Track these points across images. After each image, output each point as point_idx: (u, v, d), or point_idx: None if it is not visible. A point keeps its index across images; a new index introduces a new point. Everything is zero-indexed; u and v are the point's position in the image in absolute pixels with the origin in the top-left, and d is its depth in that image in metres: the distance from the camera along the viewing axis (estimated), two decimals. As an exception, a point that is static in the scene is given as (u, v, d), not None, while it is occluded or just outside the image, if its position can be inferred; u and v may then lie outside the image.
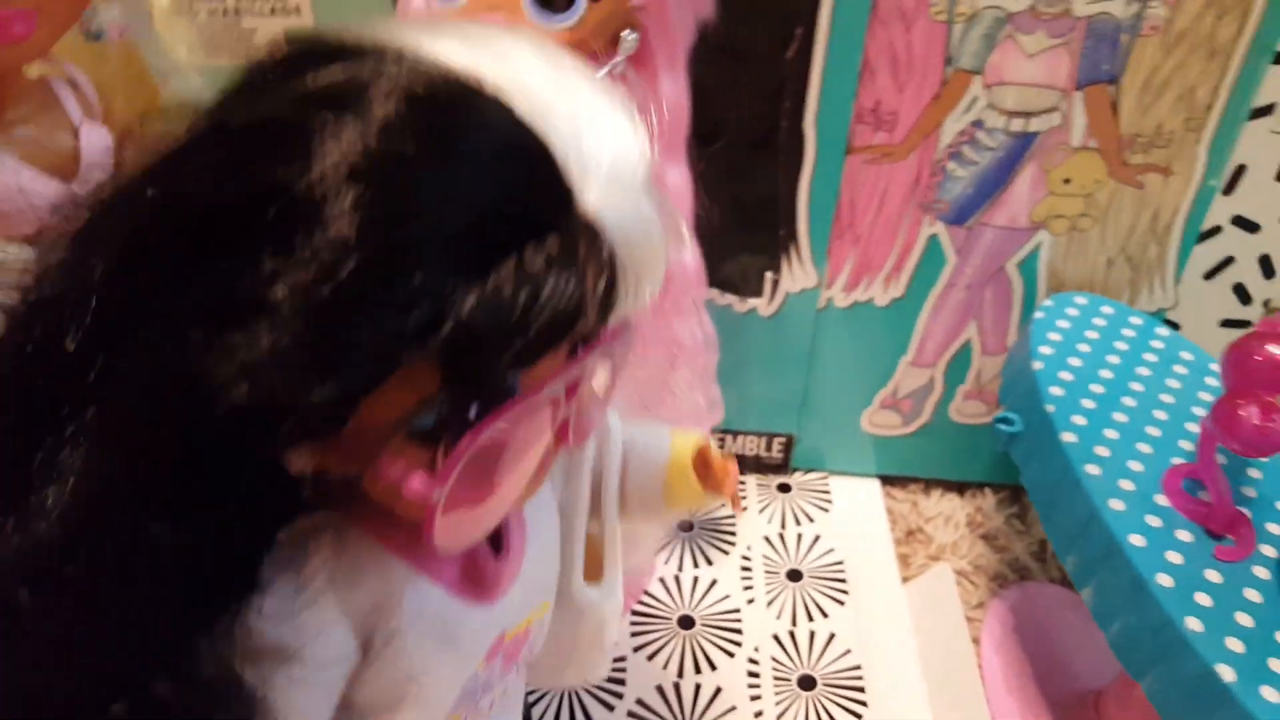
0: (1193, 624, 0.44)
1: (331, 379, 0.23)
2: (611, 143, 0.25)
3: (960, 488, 0.73)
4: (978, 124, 0.57)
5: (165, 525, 0.25)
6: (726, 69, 0.57)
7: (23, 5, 0.38)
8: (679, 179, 0.52)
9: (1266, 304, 0.65)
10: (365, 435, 0.25)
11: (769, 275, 0.64)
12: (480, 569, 0.31)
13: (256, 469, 0.25)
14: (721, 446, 0.72)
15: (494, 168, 0.24)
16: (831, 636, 0.63)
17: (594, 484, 0.40)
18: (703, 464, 0.41)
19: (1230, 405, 0.45)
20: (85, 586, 0.24)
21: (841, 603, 0.65)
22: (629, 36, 0.48)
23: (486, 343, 0.23)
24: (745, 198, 0.61)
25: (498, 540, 0.32)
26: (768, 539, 0.69)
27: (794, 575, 0.67)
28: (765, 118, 0.58)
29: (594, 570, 0.39)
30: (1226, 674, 0.42)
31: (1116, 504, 0.49)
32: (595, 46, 0.47)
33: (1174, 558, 0.47)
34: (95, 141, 0.45)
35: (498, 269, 0.23)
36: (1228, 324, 0.65)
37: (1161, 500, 0.49)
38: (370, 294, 0.22)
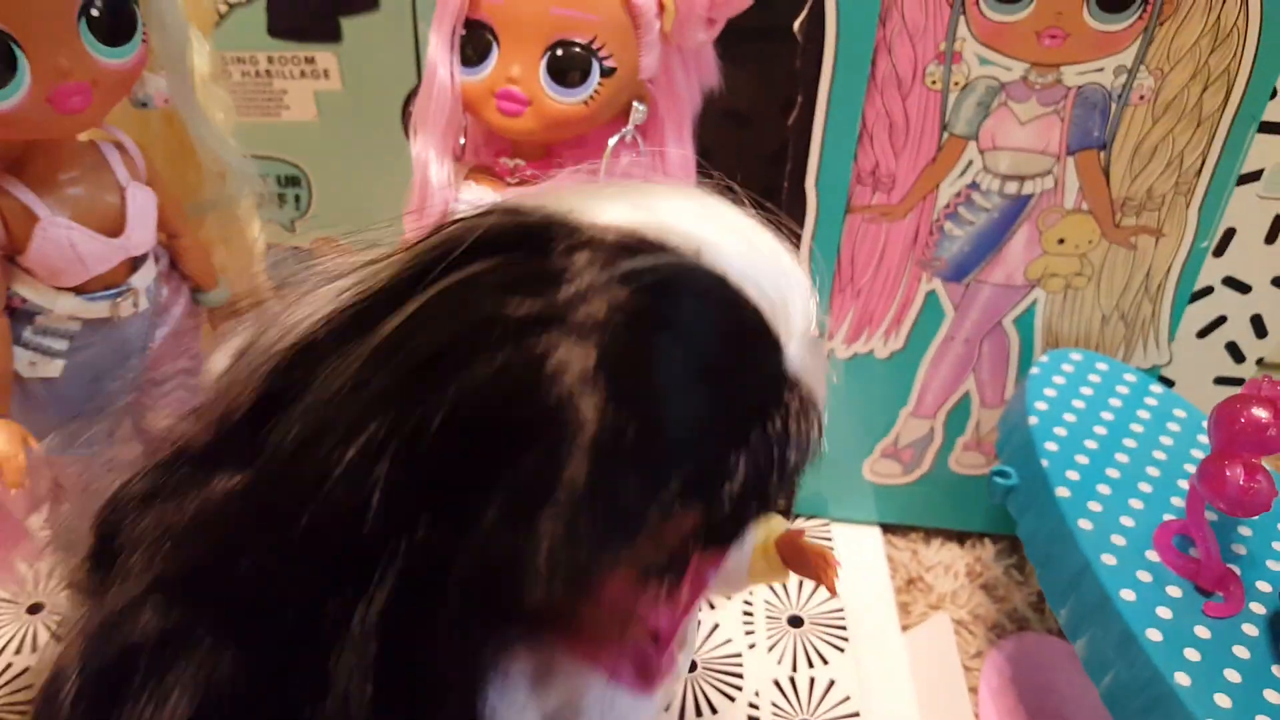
0: (1181, 679, 0.45)
1: (601, 554, 0.25)
2: (799, 303, 0.28)
3: (960, 537, 0.75)
4: (973, 186, 0.60)
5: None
6: (732, 133, 0.60)
7: (80, 79, 0.41)
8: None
9: (1260, 361, 0.67)
10: (608, 578, 0.27)
11: (772, 328, 0.66)
12: (649, 662, 0.33)
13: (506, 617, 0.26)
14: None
15: (729, 346, 0.26)
16: (831, 683, 0.65)
17: None
18: (795, 551, 0.44)
19: (1216, 465, 0.47)
20: None
21: (841, 649, 0.67)
22: (639, 107, 0.51)
23: (749, 504, 0.26)
24: (750, 255, 0.63)
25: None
26: (769, 585, 0.71)
27: (795, 621, 0.69)
28: (768, 178, 0.61)
29: None
30: (1213, 728, 0.43)
31: (1108, 558, 0.50)
32: (606, 118, 0.50)
33: (1164, 613, 0.48)
34: (140, 201, 0.47)
35: (750, 441, 0.25)
36: (1221, 381, 0.67)
37: (1152, 556, 0.51)
38: (640, 478, 0.24)
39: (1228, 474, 0.46)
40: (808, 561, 0.43)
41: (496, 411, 0.24)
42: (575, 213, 0.27)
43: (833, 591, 0.44)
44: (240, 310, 0.54)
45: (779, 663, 0.66)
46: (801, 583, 0.71)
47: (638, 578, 0.27)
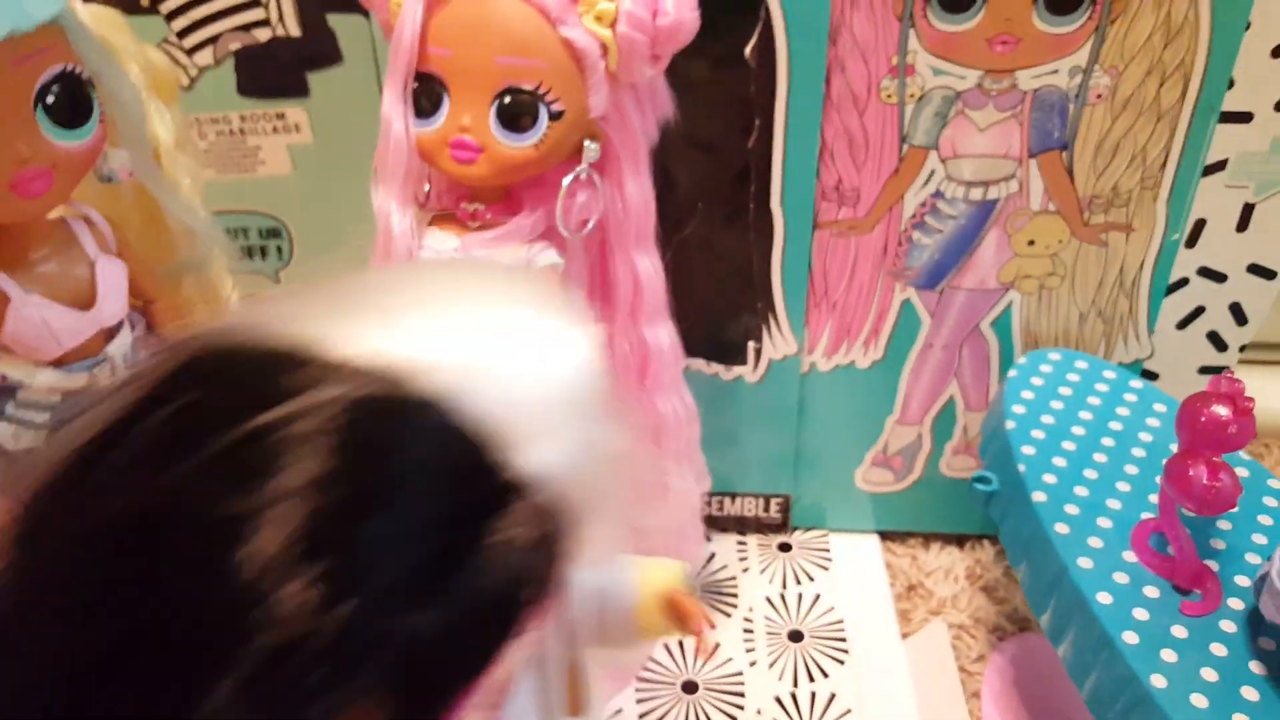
0: (1158, 681, 0.45)
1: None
2: (551, 387, 0.26)
3: (959, 540, 0.75)
4: (938, 195, 0.60)
5: None
6: (695, 159, 0.60)
7: (40, 165, 0.43)
8: (649, 268, 0.55)
9: (1243, 349, 0.66)
10: None
11: (752, 344, 0.67)
12: None
13: None
14: (721, 510, 0.75)
15: (432, 493, 0.23)
16: (833, 697, 0.65)
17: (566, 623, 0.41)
18: (674, 607, 0.43)
19: (1180, 465, 0.47)
20: None
21: (842, 662, 0.67)
22: (591, 146, 0.52)
23: (447, 665, 0.24)
24: (722, 274, 0.64)
25: None
26: (769, 599, 0.71)
27: (795, 636, 0.69)
28: (734, 200, 0.61)
29: (576, 703, 0.41)
30: (1190, 729, 0.43)
31: (1085, 562, 0.50)
32: (559, 159, 0.51)
33: (1141, 614, 0.48)
34: (110, 273, 0.49)
35: (449, 591, 0.23)
36: (1206, 370, 0.67)
37: (1129, 557, 0.51)
38: (324, 652, 0.21)
39: (1191, 473, 0.46)
40: (686, 619, 0.43)
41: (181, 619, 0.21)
42: (317, 342, 0.24)
43: (702, 653, 0.44)
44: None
45: (780, 679, 0.66)
46: (801, 595, 0.72)
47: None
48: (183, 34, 0.62)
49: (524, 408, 0.25)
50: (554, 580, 0.26)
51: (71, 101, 0.44)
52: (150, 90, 0.52)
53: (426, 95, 0.50)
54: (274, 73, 0.63)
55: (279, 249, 0.70)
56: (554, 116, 0.49)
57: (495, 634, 0.24)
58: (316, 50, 0.62)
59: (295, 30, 0.62)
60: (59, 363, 0.48)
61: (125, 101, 0.47)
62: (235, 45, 0.63)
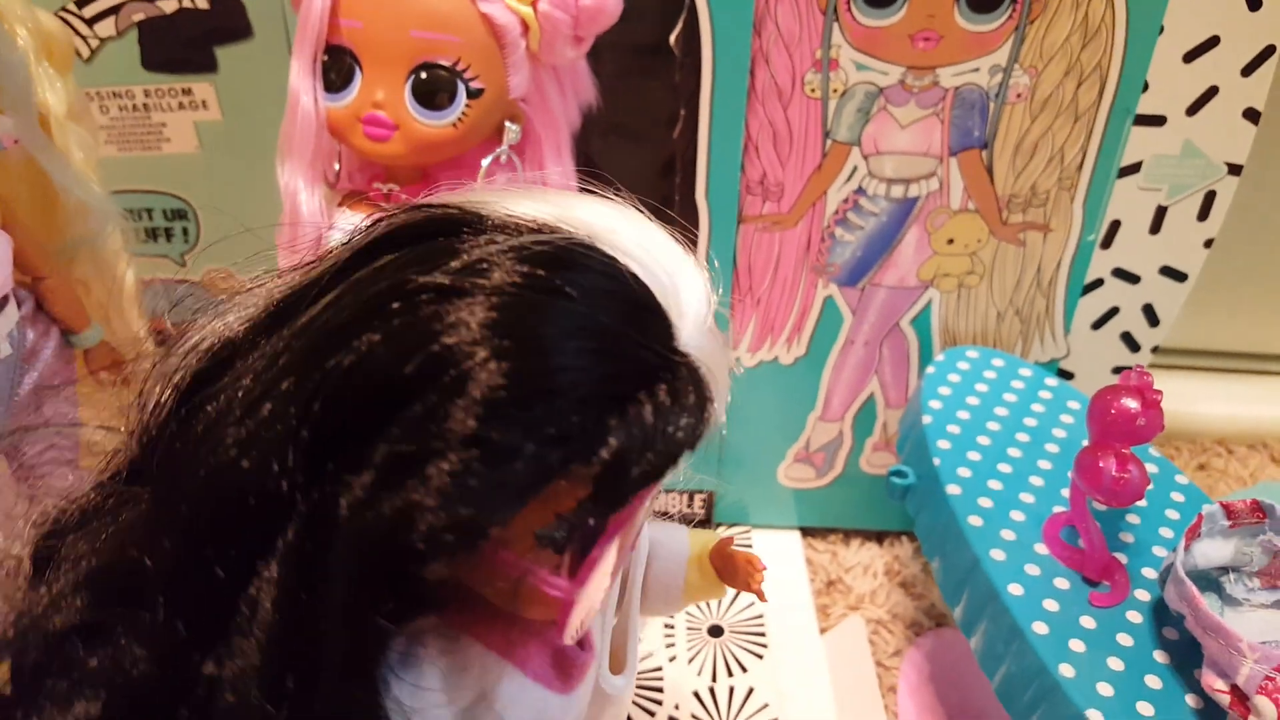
0: (1066, 670, 0.45)
1: (491, 508, 0.25)
2: (692, 288, 0.30)
3: (879, 537, 0.75)
4: (860, 191, 0.60)
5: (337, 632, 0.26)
6: (621, 148, 0.59)
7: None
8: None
9: (1155, 349, 0.67)
10: (504, 545, 0.28)
11: (675, 339, 0.66)
12: (569, 660, 0.34)
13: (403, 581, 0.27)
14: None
15: (617, 315, 0.27)
16: (750, 691, 0.64)
17: (622, 578, 0.42)
18: (725, 560, 0.43)
19: (1090, 457, 0.47)
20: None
21: (760, 656, 0.67)
22: (512, 127, 0.50)
23: (631, 468, 0.26)
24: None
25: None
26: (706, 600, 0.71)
27: (715, 631, 0.68)
28: (659, 191, 0.61)
29: (618, 662, 0.41)
30: (1096, 718, 0.43)
31: (997, 554, 0.51)
32: (478, 139, 0.50)
33: (1051, 605, 0.48)
34: None
35: (635, 405, 0.26)
36: (1119, 370, 0.68)
37: (1041, 549, 0.51)
38: (526, 433, 0.25)
39: (1100, 465, 0.46)
40: (737, 569, 0.43)
41: (386, 368, 0.25)
42: (483, 205, 0.29)
43: (762, 598, 0.44)
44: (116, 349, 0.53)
45: (699, 674, 0.66)
46: (721, 591, 0.71)
47: (531, 546, 0.28)
48: (82, 2, 0.59)
49: (682, 297, 0.29)
50: (695, 445, 0.28)
51: (-50, 61, 0.41)
52: (40, 56, 0.49)
53: (336, 68, 0.49)
54: (180, 46, 0.60)
55: (185, 230, 0.67)
56: (472, 95, 0.48)
57: (655, 474, 0.27)
58: (225, 23, 0.60)
59: (203, 2, 0.59)
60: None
61: (8, 64, 0.45)
62: (139, 16, 0.60)
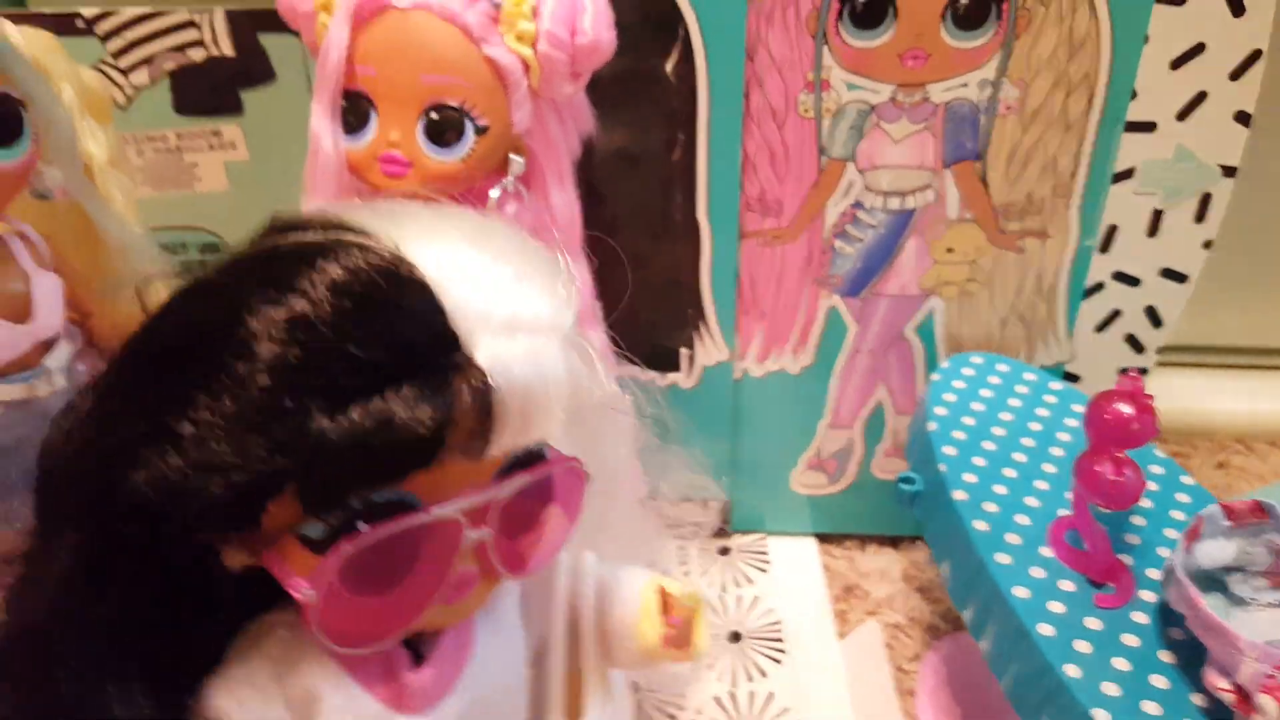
0: (1071, 670, 0.46)
1: (221, 485, 0.28)
2: (511, 301, 0.31)
3: (895, 541, 0.76)
4: (858, 205, 0.62)
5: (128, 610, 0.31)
6: (621, 171, 0.62)
7: (-31, 182, 0.43)
8: (577, 274, 0.57)
9: (1161, 350, 0.68)
10: (271, 539, 0.30)
11: (684, 351, 0.68)
12: (395, 676, 0.34)
13: (203, 564, 0.31)
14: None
15: (377, 323, 0.29)
16: (770, 696, 0.66)
17: (571, 624, 0.41)
18: (664, 601, 0.41)
19: (1088, 462, 0.48)
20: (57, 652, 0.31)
21: (780, 662, 0.68)
22: (516, 159, 0.53)
23: (335, 462, 0.28)
24: (653, 283, 0.66)
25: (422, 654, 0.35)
26: (709, 602, 0.73)
27: (735, 637, 0.70)
28: (661, 212, 0.63)
29: (573, 712, 0.40)
30: (1102, 718, 0.44)
31: (1003, 557, 0.52)
32: (485, 172, 0.52)
33: (1056, 607, 0.50)
34: (47, 287, 0.49)
35: (361, 403, 0.28)
36: (1125, 372, 0.69)
37: (1046, 552, 0.52)
38: (251, 420, 0.28)
39: (1097, 469, 0.48)
40: (676, 608, 0.41)
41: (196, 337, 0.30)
42: (355, 226, 0.32)
43: (685, 654, 0.41)
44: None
45: (719, 679, 0.67)
46: (740, 598, 0.73)
47: (295, 544, 0.30)
48: (119, 54, 0.63)
49: (484, 307, 0.30)
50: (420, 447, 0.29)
51: (2, 122, 0.44)
52: (84, 109, 0.53)
53: (354, 112, 0.51)
54: (209, 91, 0.64)
55: (216, 265, 0.70)
56: (479, 131, 0.51)
57: (372, 473, 0.29)
58: (250, 68, 0.63)
59: (229, 50, 0.63)
60: (-8, 376, 0.48)
61: (57, 121, 0.48)
62: (170, 65, 0.63)
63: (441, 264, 0.30)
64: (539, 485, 0.34)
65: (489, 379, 0.29)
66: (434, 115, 0.50)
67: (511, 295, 0.31)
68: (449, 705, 0.35)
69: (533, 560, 0.36)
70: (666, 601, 0.41)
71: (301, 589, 0.30)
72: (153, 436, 0.29)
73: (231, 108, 0.65)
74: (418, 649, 0.35)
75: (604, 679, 0.40)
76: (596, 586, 0.42)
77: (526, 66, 0.51)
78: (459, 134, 0.51)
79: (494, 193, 0.53)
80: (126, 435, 0.29)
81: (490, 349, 0.30)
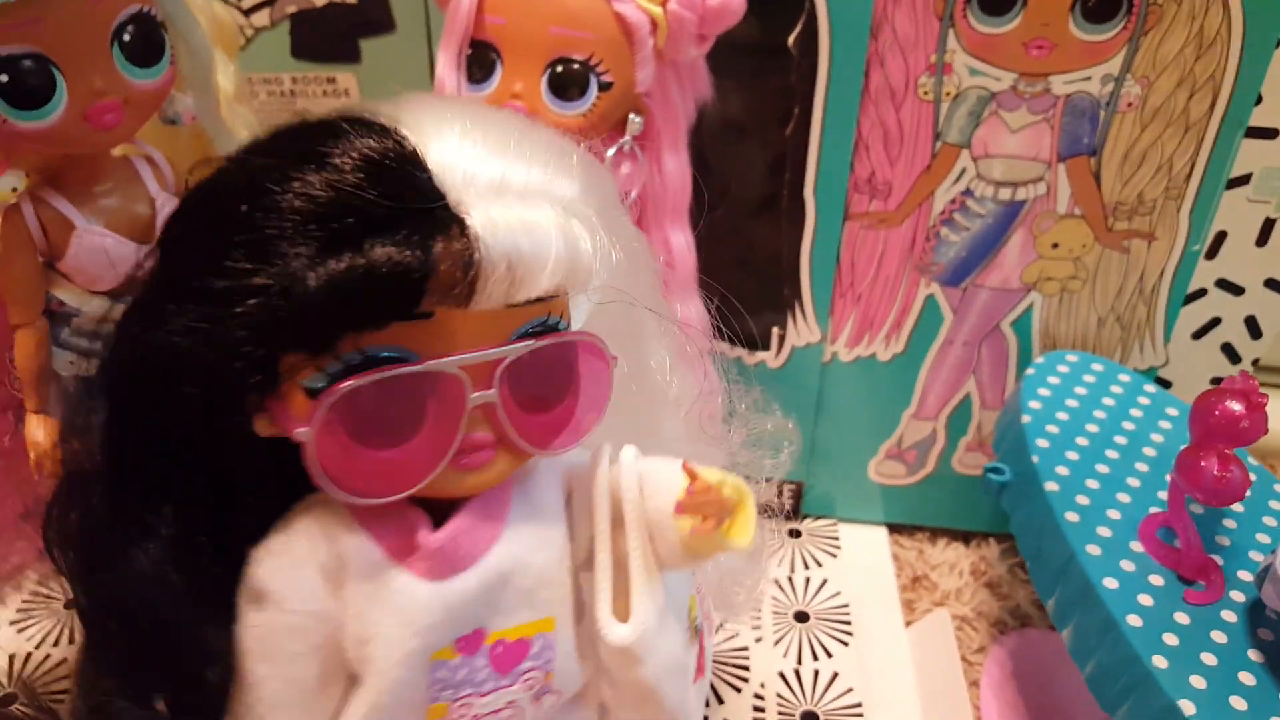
0: (1159, 661, 0.46)
1: (236, 345, 0.30)
2: (501, 166, 0.32)
3: (965, 537, 0.76)
4: (967, 193, 0.62)
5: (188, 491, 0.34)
6: (731, 143, 0.62)
7: (113, 98, 0.45)
8: (683, 244, 0.57)
9: (1255, 362, 0.67)
10: (287, 399, 0.32)
11: (775, 330, 0.68)
12: (412, 539, 0.34)
13: (247, 443, 0.33)
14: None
15: (361, 173, 0.30)
16: (835, 675, 0.66)
17: (615, 520, 0.38)
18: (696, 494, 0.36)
19: (1192, 457, 0.48)
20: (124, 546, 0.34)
21: (846, 644, 0.68)
22: (635, 120, 0.53)
23: (320, 305, 0.30)
24: (751, 259, 0.66)
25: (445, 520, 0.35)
26: (777, 581, 0.73)
27: (801, 617, 0.70)
28: (768, 187, 0.63)
29: (622, 610, 0.37)
30: (1188, 709, 0.44)
31: (1093, 549, 0.52)
32: (605, 130, 0.53)
33: (1145, 600, 0.49)
34: (170, 211, 0.51)
35: (346, 251, 0.30)
36: (1217, 382, 0.68)
37: (1137, 547, 0.52)
38: (250, 277, 0.30)
39: (1203, 464, 0.47)
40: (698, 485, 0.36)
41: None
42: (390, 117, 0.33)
43: (702, 524, 0.36)
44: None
45: (784, 656, 0.68)
46: (808, 580, 0.73)
47: (304, 400, 0.32)
48: (243, -6, 0.64)
49: (472, 167, 0.32)
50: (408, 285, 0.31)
51: (145, 41, 0.46)
52: (215, 42, 0.54)
53: (480, 62, 0.52)
54: (328, 37, 0.65)
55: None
56: (603, 88, 0.51)
57: (357, 316, 0.30)
58: (371, 17, 0.64)
59: (352, -3, 0.64)
60: (112, 293, 0.50)
61: (195, 47, 0.49)
62: (292, 8, 0.65)
63: (434, 132, 0.32)
64: (560, 362, 0.35)
65: (470, 232, 0.31)
66: (559, 69, 0.51)
67: (502, 161, 0.33)
68: (466, 578, 0.34)
69: (555, 437, 0.36)
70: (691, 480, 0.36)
71: (298, 430, 0.31)
72: (189, 296, 0.31)
73: (349, 55, 0.66)
74: (445, 518, 0.35)
75: (651, 578, 0.37)
76: (639, 477, 0.38)
77: (654, 25, 0.51)
78: (582, 89, 0.51)
79: (611, 152, 0.54)
80: (168, 300, 0.32)
81: (477, 208, 0.31)
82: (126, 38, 0.45)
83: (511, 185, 0.32)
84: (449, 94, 0.52)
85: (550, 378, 0.35)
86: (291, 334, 0.30)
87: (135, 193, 0.50)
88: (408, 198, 0.31)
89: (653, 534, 0.37)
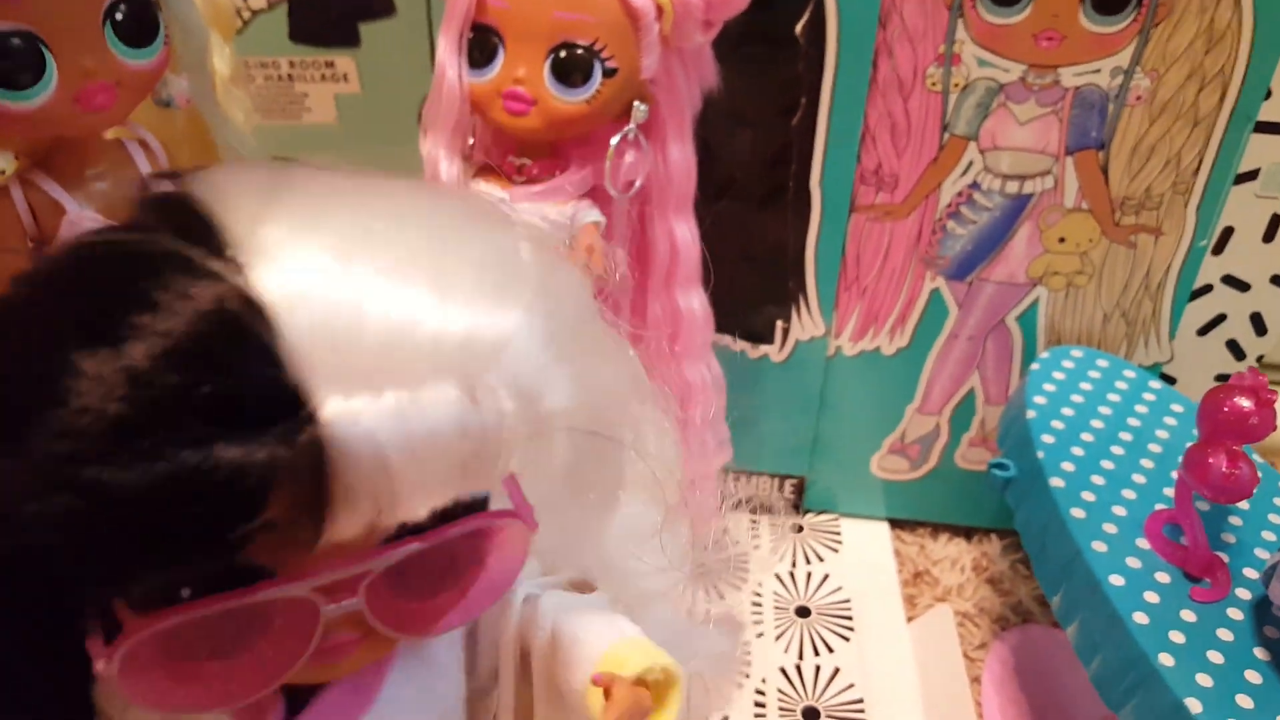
0: (1165, 659, 0.46)
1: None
2: (387, 336, 0.24)
3: (967, 533, 0.76)
4: (975, 186, 0.61)
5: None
6: (736, 133, 0.61)
7: (105, 79, 0.44)
8: (687, 235, 0.56)
9: (1260, 359, 0.67)
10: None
11: (779, 324, 0.68)
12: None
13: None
14: (735, 488, 0.76)
15: (190, 377, 0.22)
16: (836, 670, 0.66)
17: (521, 665, 0.35)
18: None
19: (1200, 453, 0.48)
20: None
21: (847, 639, 0.68)
22: (640, 107, 0.52)
23: (117, 528, 0.22)
24: (755, 252, 0.65)
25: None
26: (779, 576, 0.72)
27: (802, 611, 0.70)
28: (773, 178, 0.62)
29: None
30: (1195, 707, 0.44)
31: (1099, 545, 0.51)
32: (608, 117, 0.52)
33: (1151, 597, 0.49)
34: None
35: (150, 467, 0.22)
36: (1222, 378, 0.68)
37: (1143, 544, 0.52)
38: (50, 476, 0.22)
39: (1210, 461, 0.47)
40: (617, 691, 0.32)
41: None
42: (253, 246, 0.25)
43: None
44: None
45: (786, 651, 0.67)
46: (810, 575, 0.73)
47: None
48: (239, -24, 0.63)
49: (354, 362, 0.23)
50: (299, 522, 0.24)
51: (138, 21, 0.45)
52: (210, 24, 0.53)
53: (481, 46, 0.51)
54: (326, 20, 0.64)
55: (320, 198, 0.71)
56: (607, 74, 0.50)
57: (190, 528, 0.23)
58: (370, 1, 0.63)
59: (351, -20, 0.63)
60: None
61: (190, 28, 0.48)
62: (291, -10, 0.64)
63: (299, 283, 0.23)
64: (460, 546, 0.28)
65: (323, 444, 0.23)
66: (562, 54, 0.50)
67: (390, 328, 0.24)
68: None
69: (438, 622, 0.29)
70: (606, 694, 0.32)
71: (98, 663, 0.25)
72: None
73: (348, 39, 0.65)
74: (307, 697, 0.30)
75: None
76: (552, 635, 0.34)
77: (660, 11, 0.50)
78: (586, 75, 0.50)
79: (614, 140, 0.53)
80: None
81: (337, 408, 0.23)
82: (119, 17, 0.44)
83: (396, 367, 0.24)
84: (450, 89, 0.51)
85: (440, 565, 0.28)
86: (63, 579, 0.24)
87: (128, 176, 0.49)
88: (250, 401, 0.22)
89: (565, 700, 0.34)
